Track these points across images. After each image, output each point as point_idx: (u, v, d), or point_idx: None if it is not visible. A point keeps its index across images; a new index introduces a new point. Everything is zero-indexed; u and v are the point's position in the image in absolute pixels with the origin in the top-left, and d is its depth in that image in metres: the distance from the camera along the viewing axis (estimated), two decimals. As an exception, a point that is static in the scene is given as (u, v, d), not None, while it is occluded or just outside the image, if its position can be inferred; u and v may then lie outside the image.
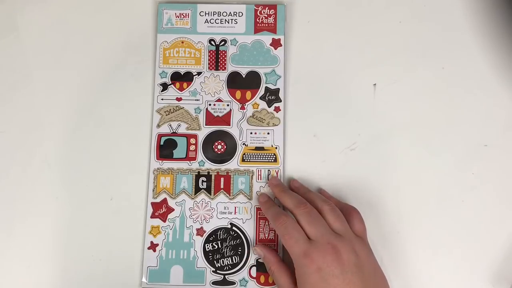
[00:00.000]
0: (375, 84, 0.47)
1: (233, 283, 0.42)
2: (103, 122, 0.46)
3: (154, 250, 0.43)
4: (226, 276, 0.43)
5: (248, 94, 0.46)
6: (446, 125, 0.46)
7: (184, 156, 0.45)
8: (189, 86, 0.46)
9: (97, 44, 0.48)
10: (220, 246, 0.43)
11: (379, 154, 0.45)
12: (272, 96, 0.46)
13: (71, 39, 0.48)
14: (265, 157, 0.45)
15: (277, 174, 0.44)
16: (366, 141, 0.46)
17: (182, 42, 0.47)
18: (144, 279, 0.42)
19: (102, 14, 0.49)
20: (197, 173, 0.45)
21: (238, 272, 0.43)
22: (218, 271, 0.43)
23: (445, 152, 0.45)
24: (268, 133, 0.45)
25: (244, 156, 0.45)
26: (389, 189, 0.44)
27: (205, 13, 0.48)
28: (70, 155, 0.46)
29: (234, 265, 0.43)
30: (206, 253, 0.43)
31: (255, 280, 0.42)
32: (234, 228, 0.43)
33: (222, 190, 0.44)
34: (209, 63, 0.47)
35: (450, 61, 0.47)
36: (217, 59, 0.47)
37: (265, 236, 0.43)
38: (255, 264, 0.43)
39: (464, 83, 0.47)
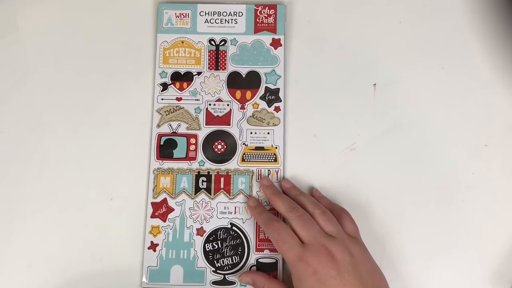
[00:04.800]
0: (375, 84, 0.47)
1: (233, 283, 0.42)
2: (103, 122, 0.46)
3: (154, 250, 0.43)
4: (226, 276, 0.43)
5: (248, 94, 0.46)
6: (446, 125, 0.46)
7: (184, 156, 0.45)
8: (189, 86, 0.46)
9: (97, 44, 0.48)
10: (220, 246, 0.43)
11: (379, 154, 0.45)
12: (272, 96, 0.46)
13: (71, 39, 0.48)
14: (265, 157, 0.45)
15: (277, 174, 0.44)
16: (366, 141, 0.46)
17: (182, 42, 0.47)
18: (144, 279, 0.42)
19: (102, 14, 0.49)
20: (197, 173, 0.45)
21: (238, 272, 0.42)
22: (218, 271, 0.43)
23: (445, 152, 0.45)
24: (268, 133, 0.45)
25: (244, 156, 0.45)
26: (389, 189, 0.44)
27: (205, 13, 0.48)
28: (70, 155, 0.46)
29: (234, 265, 0.43)
30: (206, 253, 0.43)
31: (255, 280, 0.42)
32: (234, 228, 0.43)
33: (222, 190, 0.44)
34: (209, 63, 0.47)
35: (450, 61, 0.47)
36: (217, 59, 0.47)
37: (265, 236, 0.43)
38: (255, 264, 0.43)
39: (464, 83, 0.47)
